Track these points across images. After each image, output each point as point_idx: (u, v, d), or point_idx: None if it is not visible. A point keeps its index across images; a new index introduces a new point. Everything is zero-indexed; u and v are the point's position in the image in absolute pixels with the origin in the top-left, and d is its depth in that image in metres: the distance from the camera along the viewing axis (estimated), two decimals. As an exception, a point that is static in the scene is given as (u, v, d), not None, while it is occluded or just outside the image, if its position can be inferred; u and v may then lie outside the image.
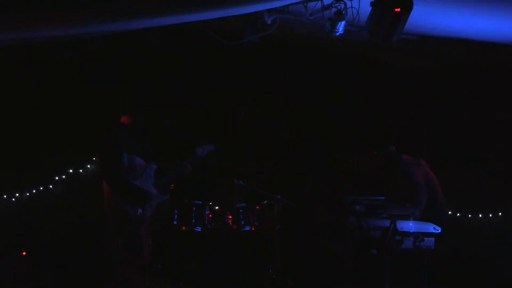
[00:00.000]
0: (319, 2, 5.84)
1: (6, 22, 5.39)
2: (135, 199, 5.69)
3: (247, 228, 7.07)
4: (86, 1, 5.22)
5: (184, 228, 6.78)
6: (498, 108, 8.26)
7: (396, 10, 5.40)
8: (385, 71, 8.51)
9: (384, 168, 7.07)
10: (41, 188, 7.95)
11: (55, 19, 5.48)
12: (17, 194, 7.88)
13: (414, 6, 5.41)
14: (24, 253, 7.28)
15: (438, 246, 5.90)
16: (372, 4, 5.51)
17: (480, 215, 8.47)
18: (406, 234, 5.65)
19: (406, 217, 5.78)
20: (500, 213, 8.41)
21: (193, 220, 6.85)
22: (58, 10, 5.24)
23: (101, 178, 5.73)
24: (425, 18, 6.16)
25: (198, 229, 6.85)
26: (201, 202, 6.94)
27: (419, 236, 5.68)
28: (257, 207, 7.22)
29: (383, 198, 6.06)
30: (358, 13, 5.71)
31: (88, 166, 8.09)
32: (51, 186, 7.99)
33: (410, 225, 5.70)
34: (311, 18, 6.02)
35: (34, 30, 5.68)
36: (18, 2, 5.07)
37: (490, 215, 8.44)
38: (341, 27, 5.87)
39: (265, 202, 7.28)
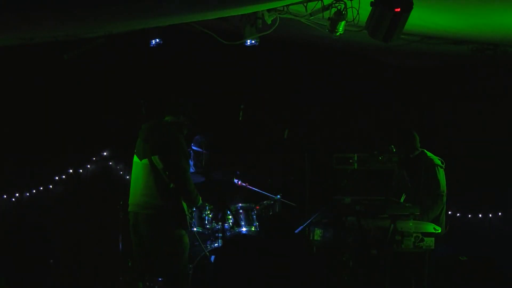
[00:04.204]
0: (319, 2, 5.84)
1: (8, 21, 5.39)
2: (194, 200, 5.68)
3: (247, 228, 7.06)
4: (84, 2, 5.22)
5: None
6: (498, 108, 8.27)
7: (396, 10, 5.40)
8: (385, 71, 8.51)
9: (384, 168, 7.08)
10: (41, 188, 7.95)
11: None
12: (17, 194, 7.88)
13: (414, 6, 5.41)
14: (24, 253, 7.28)
15: (438, 246, 5.90)
16: (372, 4, 5.51)
17: (480, 215, 8.48)
18: (406, 234, 5.64)
19: (406, 217, 5.78)
20: (500, 213, 8.41)
21: (193, 220, 6.84)
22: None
23: (177, 176, 5.49)
24: (425, 18, 6.16)
25: (198, 229, 6.85)
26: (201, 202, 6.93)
27: (419, 236, 5.67)
28: (257, 207, 7.22)
29: (383, 198, 6.05)
30: (358, 13, 5.71)
31: (88, 166, 8.09)
32: (51, 186, 7.99)
33: (410, 225, 5.69)
34: (311, 18, 6.02)
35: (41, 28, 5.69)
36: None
37: (490, 215, 8.45)
38: (341, 27, 5.87)
39: (265, 202, 7.27)
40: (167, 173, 5.51)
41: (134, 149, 5.74)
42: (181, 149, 5.55)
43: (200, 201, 5.83)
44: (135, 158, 5.69)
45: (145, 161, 5.56)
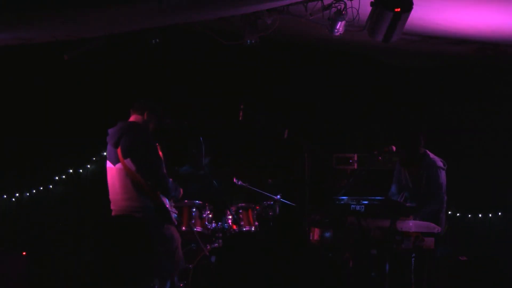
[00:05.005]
0: (319, 2, 5.84)
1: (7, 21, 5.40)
2: (172, 193, 5.64)
3: (247, 228, 7.06)
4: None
5: (184, 228, 6.78)
6: (498, 108, 8.27)
7: (396, 10, 5.40)
8: (385, 71, 8.51)
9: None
10: (41, 188, 7.95)
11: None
12: (17, 194, 7.88)
13: (414, 6, 5.42)
14: (24, 253, 7.27)
15: (438, 246, 5.90)
16: (372, 4, 5.51)
17: (480, 215, 8.47)
18: (406, 234, 5.64)
19: (406, 217, 5.78)
20: (500, 213, 8.41)
21: (193, 221, 6.84)
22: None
23: (151, 176, 5.48)
24: (425, 18, 6.16)
25: (198, 229, 6.85)
26: (201, 202, 6.94)
27: (419, 236, 5.67)
28: (257, 207, 7.22)
29: (383, 198, 6.05)
30: (358, 13, 5.71)
31: (88, 166, 8.09)
32: (51, 186, 7.99)
33: (410, 225, 5.69)
34: (311, 18, 6.02)
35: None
36: None
37: (490, 215, 8.45)
38: (341, 27, 5.87)
39: (265, 202, 7.28)
40: (142, 173, 5.51)
41: (106, 154, 5.73)
42: (150, 148, 5.56)
43: (180, 193, 5.83)
44: (108, 164, 5.69)
45: (118, 165, 5.56)
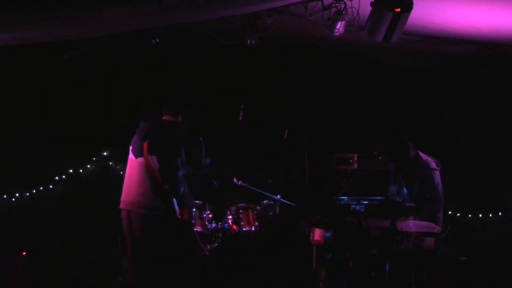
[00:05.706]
0: (319, 2, 5.84)
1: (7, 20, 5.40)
2: (185, 201, 5.68)
3: (247, 228, 7.06)
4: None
5: (184, 228, 6.78)
6: (498, 108, 8.27)
7: (396, 10, 5.40)
8: (385, 71, 8.51)
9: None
10: (41, 188, 7.96)
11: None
12: (17, 194, 7.89)
13: (414, 6, 5.42)
14: (24, 253, 7.28)
15: (438, 246, 5.91)
16: (372, 4, 5.51)
17: (480, 215, 8.48)
18: (406, 234, 5.65)
19: (406, 217, 5.78)
20: (500, 213, 8.41)
21: (193, 221, 6.84)
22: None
23: (169, 177, 5.47)
24: (425, 18, 6.16)
25: (198, 229, 6.85)
26: (201, 202, 6.93)
27: (419, 236, 5.67)
28: (257, 207, 7.22)
29: (383, 198, 6.05)
30: (358, 13, 5.72)
31: (88, 166, 8.09)
32: (51, 186, 7.99)
33: (410, 225, 5.69)
34: (311, 18, 6.02)
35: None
36: None
37: (490, 215, 8.45)
38: (341, 27, 5.87)
39: (265, 202, 7.28)
40: (161, 173, 5.51)
41: (130, 145, 5.72)
42: (177, 151, 5.56)
43: (192, 202, 5.87)
44: (130, 155, 5.68)
45: (140, 159, 5.56)
